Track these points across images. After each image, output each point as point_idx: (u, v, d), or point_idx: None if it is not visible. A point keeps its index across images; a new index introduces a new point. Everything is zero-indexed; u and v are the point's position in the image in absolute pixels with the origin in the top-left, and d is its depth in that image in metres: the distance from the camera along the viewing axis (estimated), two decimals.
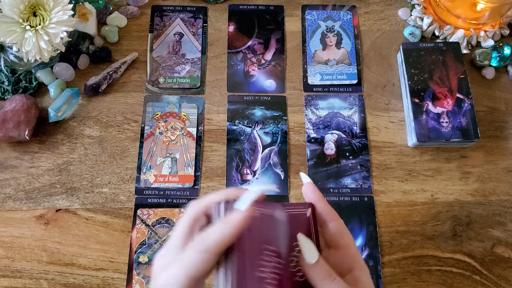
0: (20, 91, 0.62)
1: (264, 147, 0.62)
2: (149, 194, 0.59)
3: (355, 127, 0.63)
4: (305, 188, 0.38)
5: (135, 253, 0.56)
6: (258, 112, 0.63)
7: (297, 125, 0.63)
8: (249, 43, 0.68)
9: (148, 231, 0.57)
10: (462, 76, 0.62)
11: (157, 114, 0.63)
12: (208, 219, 0.35)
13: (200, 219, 0.34)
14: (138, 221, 0.57)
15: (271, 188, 0.35)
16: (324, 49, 0.68)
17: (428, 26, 0.68)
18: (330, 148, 0.62)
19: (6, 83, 0.62)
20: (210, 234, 0.31)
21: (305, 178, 0.39)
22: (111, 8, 0.69)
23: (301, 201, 0.59)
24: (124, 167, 0.60)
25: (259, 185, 0.34)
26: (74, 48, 0.64)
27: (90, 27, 0.65)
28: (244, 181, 0.60)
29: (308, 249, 0.33)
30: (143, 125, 0.62)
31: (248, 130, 0.62)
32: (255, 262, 0.32)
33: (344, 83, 0.65)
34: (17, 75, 0.62)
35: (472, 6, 0.65)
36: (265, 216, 0.34)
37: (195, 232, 0.33)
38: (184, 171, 0.60)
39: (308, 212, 0.36)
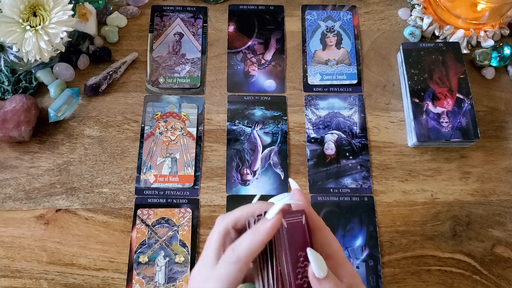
0: (20, 91, 0.62)
1: (264, 147, 0.62)
2: (149, 194, 0.59)
3: (355, 127, 0.63)
4: (293, 196, 0.38)
5: (135, 253, 0.56)
6: (258, 112, 0.63)
7: (297, 125, 0.63)
8: (249, 43, 0.68)
9: (148, 231, 0.57)
10: (462, 76, 0.62)
11: (157, 114, 0.63)
12: (236, 233, 0.36)
13: (229, 233, 0.35)
14: (138, 221, 0.57)
15: (295, 199, 0.36)
16: (324, 49, 0.68)
17: (428, 26, 0.68)
18: (330, 148, 0.62)
19: (6, 83, 0.62)
20: (240, 244, 0.32)
21: (293, 184, 0.39)
22: (111, 8, 0.69)
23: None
24: (124, 167, 0.60)
25: (283, 198, 0.35)
26: (74, 48, 0.64)
27: (90, 27, 0.65)
28: (244, 181, 0.60)
29: (318, 263, 0.33)
30: (143, 125, 0.62)
31: (248, 130, 0.62)
32: (295, 271, 0.33)
33: (344, 83, 0.65)
34: (17, 75, 0.62)
35: (472, 6, 0.65)
36: (295, 224, 0.34)
37: (226, 246, 0.34)
38: (184, 171, 0.60)
39: (303, 219, 0.36)
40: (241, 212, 0.36)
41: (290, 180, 0.40)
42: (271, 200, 0.38)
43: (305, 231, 0.36)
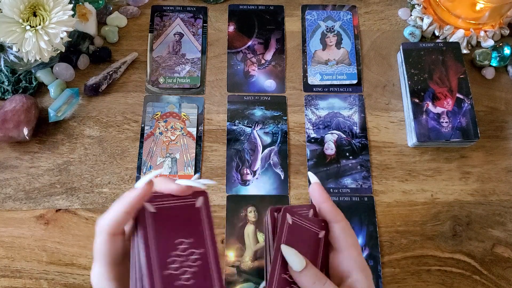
0: (20, 91, 0.62)
1: (264, 147, 0.62)
2: None
3: (355, 127, 0.63)
4: (312, 189, 0.38)
5: None
6: (258, 112, 0.63)
7: (297, 125, 0.63)
8: (249, 43, 0.68)
9: None
10: (462, 76, 0.62)
11: (157, 114, 0.63)
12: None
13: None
14: None
15: (202, 184, 0.32)
16: (324, 49, 0.68)
17: (428, 26, 0.68)
18: (330, 148, 0.62)
19: (6, 83, 0.62)
20: (105, 215, 0.30)
21: (313, 177, 0.39)
22: (111, 8, 0.69)
23: (300, 202, 0.59)
24: (124, 167, 0.60)
25: (186, 181, 0.32)
26: (74, 48, 0.64)
27: (90, 27, 0.65)
28: (244, 181, 0.60)
29: (293, 259, 0.33)
30: (143, 125, 0.62)
31: (248, 130, 0.62)
32: (164, 260, 0.29)
33: (344, 83, 0.65)
34: (17, 75, 0.62)
35: (472, 6, 0.65)
36: (174, 208, 0.31)
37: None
38: (184, 171, 0.60)
39: (310, 213, 0.36)
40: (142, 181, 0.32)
41: (309, 173, 0.40)
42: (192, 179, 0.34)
43: (319, 245, 0.36)
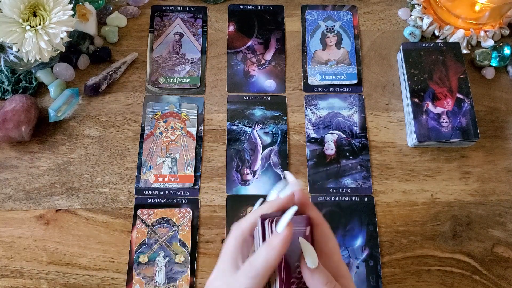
0: (20, 91, 0.62)
1: (264, 147, 0.62)
2: (149, 194, 0.59)
3: (355, 127, 0.63)
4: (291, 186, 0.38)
5: (135, 253, 0.56)
6: (258, 112, 0.63)
7: (297, 125, 0.63)
8: (249, 43, 0.68)
9: (148, 231, 0.57)
10: (462, 76, 0.62)
11: (157, 114, 0.63)
12: (253, 239, 0.36)
13: (246, 239, 0.36)
14: (138, 221, 0.57)
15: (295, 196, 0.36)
16: (324, 49, 0.68)
17: (428, 26, 0.68)
18: (330, 148, 0.62)
19: (6, 83, 0.62)
20: (257, 260, 0.33)
21: (291, 178, 0.38)
22: (111, 8, 0.69)
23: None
24: (124, 167, 0.60)
25: (293, 206, 0.35)
26: (74, 48, 0.64)
27: (90, 27, 0.65)
28: (244, 181, 0.60)
29: (310, 253, 0.33)
30: (143, 125, 0.62)
31: (248, 130, 0.62)
32: (288, 282, 0.33)
33: (344, 83, 0.65)
34: (17, 75, 0.62)
35: (472, 6, 0.65)
36: (295, 233, 0.35)
37: (243, 253, 0.35)
38: (184, 171, 0.60)
39: (307, 230, 0.36)
40: (255, 217, 0.36)
41: (286, 173, 0.40)
42: (272, 191, 0.38)
43: (309, 240, 0.36)
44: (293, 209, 0.33)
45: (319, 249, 0.35)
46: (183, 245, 0.56)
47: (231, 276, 0.34)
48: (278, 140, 0.62)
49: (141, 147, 0.61)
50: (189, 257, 0.56)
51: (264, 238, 0.34)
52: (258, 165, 0.61)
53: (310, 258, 0.33)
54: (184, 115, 0.63)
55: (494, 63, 0.66)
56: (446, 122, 0.60)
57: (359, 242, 0.57)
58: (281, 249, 0.32)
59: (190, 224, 0.57)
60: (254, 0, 0.71)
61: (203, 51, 0.67)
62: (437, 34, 0.68)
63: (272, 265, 0.32)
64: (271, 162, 0.61)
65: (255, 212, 0.36)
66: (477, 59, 0.66)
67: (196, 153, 0.61)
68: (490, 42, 0.67)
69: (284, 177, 0.44)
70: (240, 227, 0.36)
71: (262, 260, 0.32)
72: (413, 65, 0.63)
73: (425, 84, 0.62)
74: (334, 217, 0.58)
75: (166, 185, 0.59)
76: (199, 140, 0.62)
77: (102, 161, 0.60)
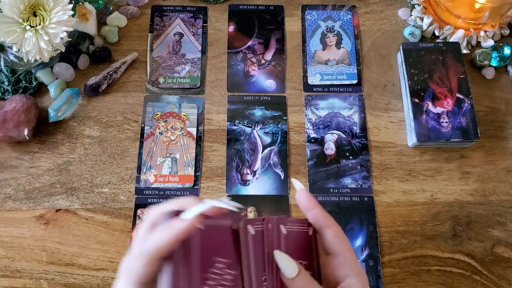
0: (20, 91, 0.62)
1: (264, 147, 0.62)
2: (149, 194, 0.59)
3: (355, 127, 0.63)
4: (299, 196, 0.37)
5: None
6: (258, 112, 0.63)
7: (297, 125, 0.63)
8: (249, 43, 0.68)
9: None
10: (462, 76, 0.62)
11: (157, 114, 0.63)
12: None
13: (157, 224, 0.34)
14: (138, 221, 0.57)
15: (232, 206, 0.34)
16: (324, 49, 0.68)
17: (428, 26, 0.68)
18: (330, 148, 0.62)
19: (6, 83, 0.62)
20: (149, 239, 0.31)
21: (297, 184, 0.38)
22: (111, 8, 0.69)
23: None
24: (124, 167, 0.60)
25: (217, 201, 0.33)
26: (74, 48, 0.64)
27: (90, 27, 0.65)
28: (244, 181, 0.60)
29: (286, 265, 0.32)
30: (143, 125, 0.62)
31: (248, 130, 0.62)
32: (202, 275, 0.31)
33: (344, 83, 0.65)
34: (17, 75, 0.62)
35: (472, 6, 0.65)
36: (218, 228, 0.33)
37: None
38: (184, 171, 0.60)
39: (311, 230, 0.36)
40: (172, 205, 0.34)
41: (293, 180, 0.38)
42: (221, 200, 0.36)
43: (311, 242, 0.36)
44: (209, 204, 0.32)
45: (333, 250, 0.35)
46: None
47: (129, 254, 0.32)
48: (278, 140, 0.62)
49: (141, 147, 0.61)
50: None
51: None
52: (258, 165, 0.61)
53: (287, 269, 0.32)
54: (184, 115, 0.63)
55: (494, 63, 0.66)
56: (446, 122, 0.60)
57: (359, 242, 0.57)
58: (177, 234, 0.30)
59: None
60: (254, 0, 0.71)
61: (203, 51, 0.67)
62: (437, 34, 0.68)
63: (162, 247, 0.30)
64: (271, 162, 0.61)
65: (174, 200, 0.35)
66: (477, 59, 0.66)
67: (196, 153, 0.61)
68: (490, 42, 0.67)
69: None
70: (155, 212, 0.34)
71: (153, 240, 0.31)
72: (413, 65, 0.63)
73: (425, 84, 0.62)
74: (334, 217, 0.57)
75: (166, 185, 0.59)
76: (199, 140, 0.62)
77: (102, 161, 0.60)
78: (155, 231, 0.32)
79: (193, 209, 0.32)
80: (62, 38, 0.56)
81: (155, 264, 0.31)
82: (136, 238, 0.34)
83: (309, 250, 0.36)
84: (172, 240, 0.30)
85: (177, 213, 0.33)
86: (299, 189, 0.37)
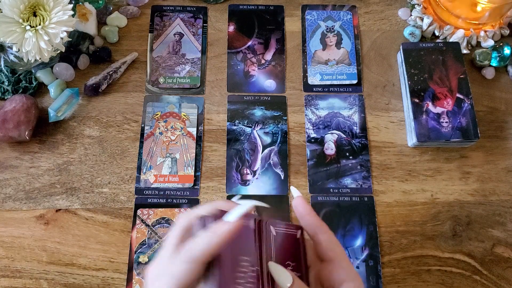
0: (20, 91, 0.62)
1: (264, 147, 0.62)
2: (149, 194, 0.59)
3: (355, 127, 0.63)
4: (295, 202, 0.38)
5: (135, 253, 0.56)
6: (258, 112, 0.63)
7: (297, 125, 0.63)
8: (249, 43, 0.68)
9: (148, 231, 0.57)
10: (462, 76, 0.62)
11: (157, 114, 0.63)
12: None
13: (190, 230, 0.34)
14: (138, 221, 0.57)
15: (264, 205, 0.36)
16: (324, 49, 0.68)
17: (428, 26, 0.68)
18: (330, 148, 0.62)
19: (6, 83, 0.62)
20: (196, 244, 0.32)
21: (295, 192, 0.39)
22: (111, 8, 0.69)
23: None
24: (124, 167, 0.60)
25: (250, 201, 0.34)
26: (74, 48, 0.64)
27: (90, 27, 0.65)
28: (244, 181, 0.60)
29: (280, 275, 0.33)
30: (143, 125, 0.62)
31: (248, 130, 0.62)
32: (234, 274, 0.32)
33: (344, 83, 0.65)
34: (17, 75, 0.62)
35: (472, 6, 0.65)
36: (243, 227, 0.34)
37: (185, 242, 0.33)
38: (184, 171, 0.60)
39: (298, 233, 0.37)
40: (205, 209, 0.35)
41: (292, 188, 0.40)
42: (239, 201, 0.37)
43: (299, 245, 0.37)
44: (249, 205, 0.33)
45: (327, 256, 0.36)
46: None
47: (168, 261, 0.33)
48: (278, 140, 0.62)
49: (141, 147, 0.61)
50: None
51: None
52: (258, 165, 0.61)
53: (281, 279, 0.32)
54: (184, 115, 0.63)
55: (494, 63, 0.66)
56: (446, 122, 0.60)
57: (359, 242, 0.57)
58: (224, 238, 0.31)
59: None
60: (254, 0, 0.71)
61: (203, 51, 0.67)
62: (437, 34, 0.68)
63: (210, 252, 0.31)
64: (271, 162, 0.61)
65: (206, 205, 0.36)
66: (477, 59, 0.66)
67: (196, 153, 0.61)
68: (490, 42, 0.67)
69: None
70: (186, 217, 0.35)
71: (200, 245, 0.31)
72: (413, 65, 0.63)
73: (425, 84, 0.62)
74: (334, 217, 0.58)
75: (166, 185, 0.59)
76: (199, 140, 0.62)
77: (102, 161, 0.60)
78: (200, 236, 0.32)
79: (235, 211, 0.33)
80: (62, 38, 0.56)
81: (201, 268, 0.32)
82: (168, 244, 0.34)
83: (297, 252, 0.36)
84: (220, 243, 0.31)
85: (217, 217, 0.34)
86: (296, 196, 0.39)
